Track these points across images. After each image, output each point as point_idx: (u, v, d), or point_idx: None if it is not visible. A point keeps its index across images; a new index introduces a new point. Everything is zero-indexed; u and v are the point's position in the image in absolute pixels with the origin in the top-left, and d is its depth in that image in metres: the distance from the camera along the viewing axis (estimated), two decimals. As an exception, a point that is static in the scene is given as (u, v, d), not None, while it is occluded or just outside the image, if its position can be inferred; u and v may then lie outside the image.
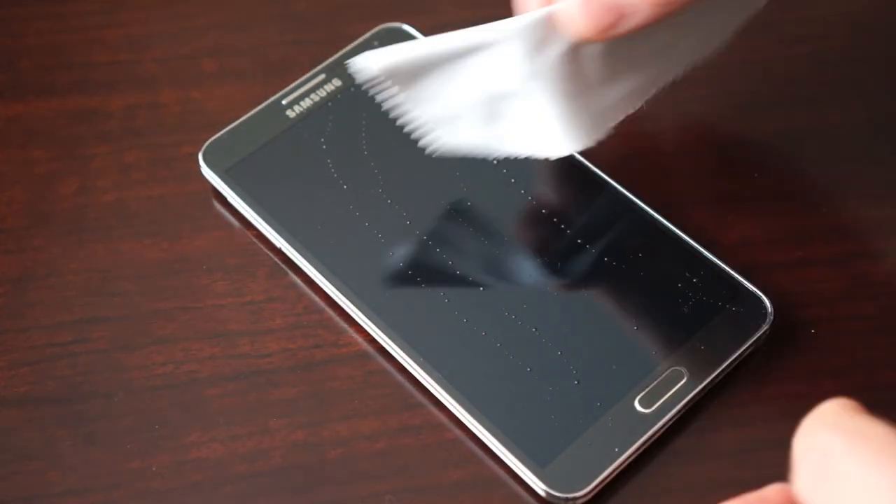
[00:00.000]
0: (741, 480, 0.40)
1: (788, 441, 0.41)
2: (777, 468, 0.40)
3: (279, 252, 0.46)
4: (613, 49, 0.41)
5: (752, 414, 0.42)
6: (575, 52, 0.40)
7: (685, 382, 0.41)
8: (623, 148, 0.48)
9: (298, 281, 0.45)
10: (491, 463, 0.41)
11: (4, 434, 0.42)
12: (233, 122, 0.48)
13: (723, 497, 0.40)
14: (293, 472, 0.41)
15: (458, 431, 0.41)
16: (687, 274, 0.43)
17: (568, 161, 0.46)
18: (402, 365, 0.43)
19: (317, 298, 0.45)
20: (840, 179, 0.47)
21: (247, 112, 0.48)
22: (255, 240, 0.46)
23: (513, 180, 0.46)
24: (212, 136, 0.48)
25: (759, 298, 0.43)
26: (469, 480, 0.41)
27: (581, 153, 0.46)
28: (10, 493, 0.41)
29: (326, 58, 0.50)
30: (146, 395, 0.43)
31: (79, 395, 0.43)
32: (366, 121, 0.48)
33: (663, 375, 0.41)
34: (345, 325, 0.44)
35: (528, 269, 0.44)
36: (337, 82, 0.49)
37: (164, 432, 0.42)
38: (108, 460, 0.41)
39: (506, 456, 0.40)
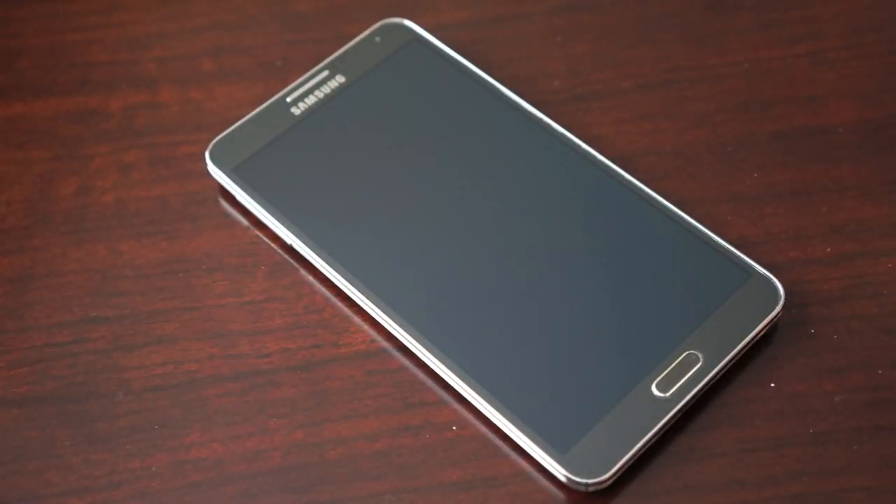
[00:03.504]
0: (741, 480, 0.41)
1: (788, 441, 0.41)
2: (777, 468, 0.41)
3: (279, 252, 0.46)
4: None
5: (752, 414, 0.42)
6: None
7: (701, 365, 0.41)
8: (627, 147, 0.48)
9: (298, 280, 0.45)
10: (491, 462, 0.41)
11: (4, 434, 0.42)
12: (235, 121, 0.48)
13: (722, 497, 0.40)
14: (293, 472, 0.41)
15: (458, 430, 0.42)
16: (698, 258, 0.44)
17: (579, 153, 0.46)
18: (403, 364, 0.43)
19: (317, 298, 0.45)
20: (840, 179, 0.47)
21: (247, 112, 0.48)
22: (255, 239, 0.46)
23: (524, 171, 0.46)
24: (212, 135, 0.48)
25: (770, 281, 0.43)
26: (469, 480, 0.41)
27: (595, 147, 0.47)
28: (10, 493, 0.41)
29: (326, 57, 0.50)
30: (146, 395, 0.43)
31: (79, 395, 0.43)
32: (371, 116, 0.48)
33: (679, 359, 0.41)
34: (345, 325, 0.44)
35: (541, 257, 0.44)
36: (340, 78, 0.49)
37: (163, 432, 0.42)
38: (108, 460, 0.41)
39: (526, 444, 0.40)
